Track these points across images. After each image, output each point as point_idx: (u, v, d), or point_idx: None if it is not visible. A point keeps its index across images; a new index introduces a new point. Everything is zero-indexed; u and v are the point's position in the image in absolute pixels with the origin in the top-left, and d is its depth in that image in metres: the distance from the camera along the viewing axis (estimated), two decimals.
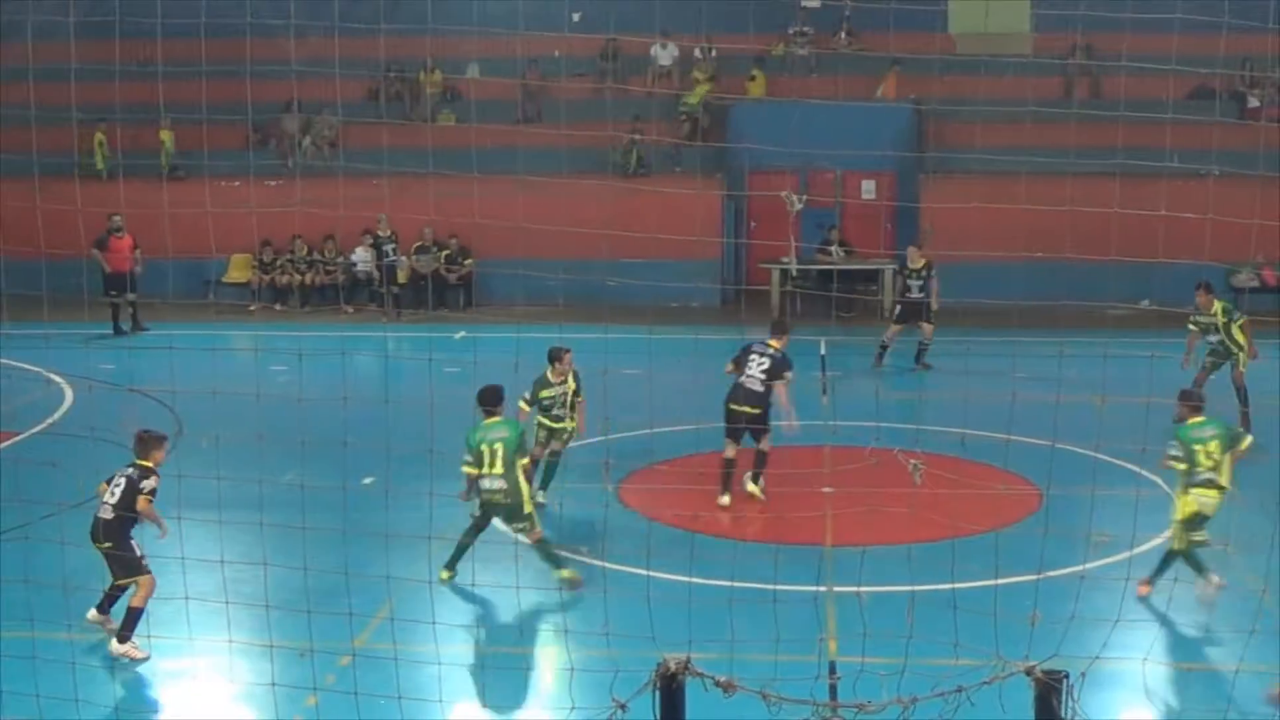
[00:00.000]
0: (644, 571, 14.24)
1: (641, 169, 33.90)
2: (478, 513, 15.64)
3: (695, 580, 14.22)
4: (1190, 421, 15.44)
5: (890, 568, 14.83)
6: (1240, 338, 21.34)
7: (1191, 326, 21.95)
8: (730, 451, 18.69)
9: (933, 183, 32.22)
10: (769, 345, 18.93)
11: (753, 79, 34.80)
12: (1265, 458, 18.86)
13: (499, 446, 15.32)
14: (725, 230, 32.65)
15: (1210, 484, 15.06)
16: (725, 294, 32.53)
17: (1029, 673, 7.70)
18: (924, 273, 26.62)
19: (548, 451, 18.43)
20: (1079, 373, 20.67)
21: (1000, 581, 14.08)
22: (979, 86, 33.18)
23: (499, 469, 15.31)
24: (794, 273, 32.04)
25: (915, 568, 14.94)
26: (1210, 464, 15.08)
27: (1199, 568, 15.13)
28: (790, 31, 36.38)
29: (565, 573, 15.42)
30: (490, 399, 15.71)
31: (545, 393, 18.25)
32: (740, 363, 18.80)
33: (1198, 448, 15.11)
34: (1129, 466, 18.75)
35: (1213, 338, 21.54)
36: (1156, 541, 16.03)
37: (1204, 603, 14.84)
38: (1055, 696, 7.57)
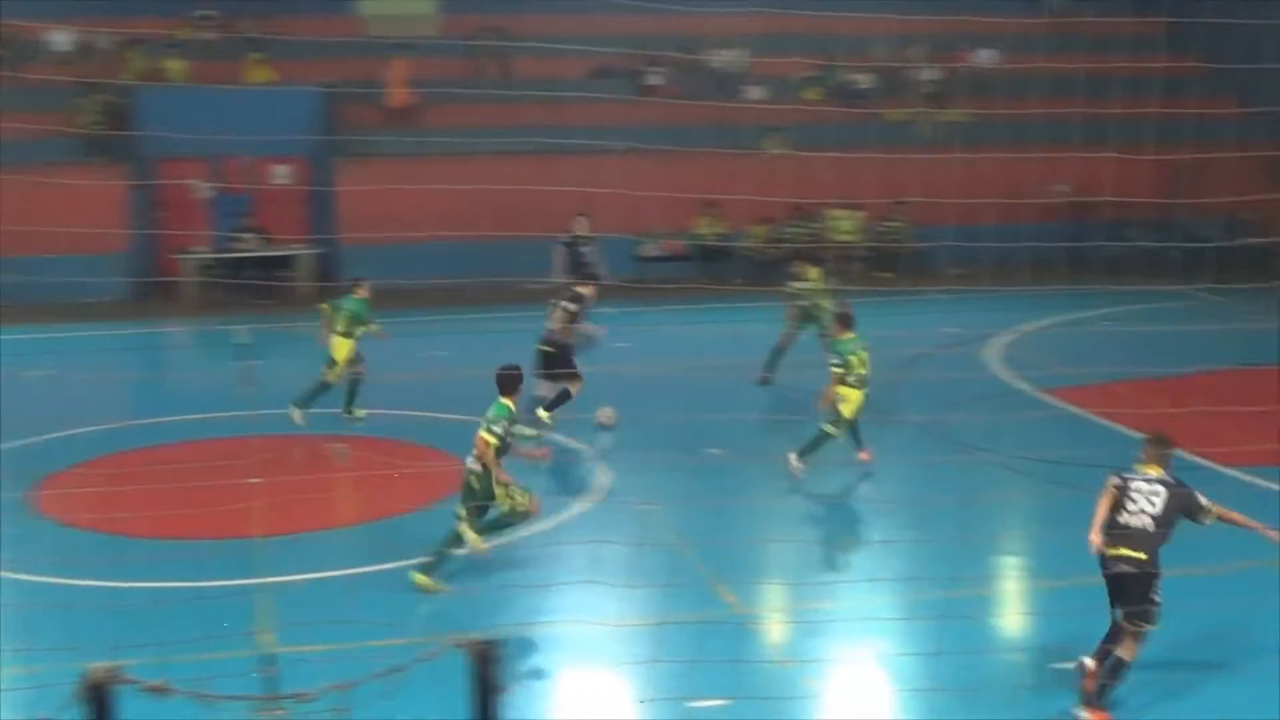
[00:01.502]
0: (64, 580, 13.63)
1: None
2: None
3: (119, 584, 13.68)
4: (843, 337, 18.09)
5: (323, 553, 14.70)
6: (827, 306, 22.53)
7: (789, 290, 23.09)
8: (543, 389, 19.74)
9: (347, 166, 32.07)
10: (573, 289, 20.65)
11: (168, 63, 33.63)
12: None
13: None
14: (134, 221, 31.48)
15: (861, 383, 17.85)
16: (137, 287, 31.41)
17: (464, 645, 7.75)
18: (593, 240, 26.80)
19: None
20: (493, 347, 21.10)
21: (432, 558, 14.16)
22: (388, 69, 33.34)
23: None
24: (208, 262, 31.31)
25: (348, 551, 14.90)
26: (863, 370, 17.91)
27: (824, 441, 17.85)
28: (196, 16, 35.44)
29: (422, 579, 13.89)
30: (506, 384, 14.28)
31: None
32: None
33: (851, 357, 17.85)
34: (554, 436, 19.25)
35: (803, 301, 22.72)
36: (584, 507, 16.49)
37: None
38: (490, 665, 7.65)
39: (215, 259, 31.41)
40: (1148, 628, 11.43)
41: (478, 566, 14.25)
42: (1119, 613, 11.46)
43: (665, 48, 35.20)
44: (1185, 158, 29.45)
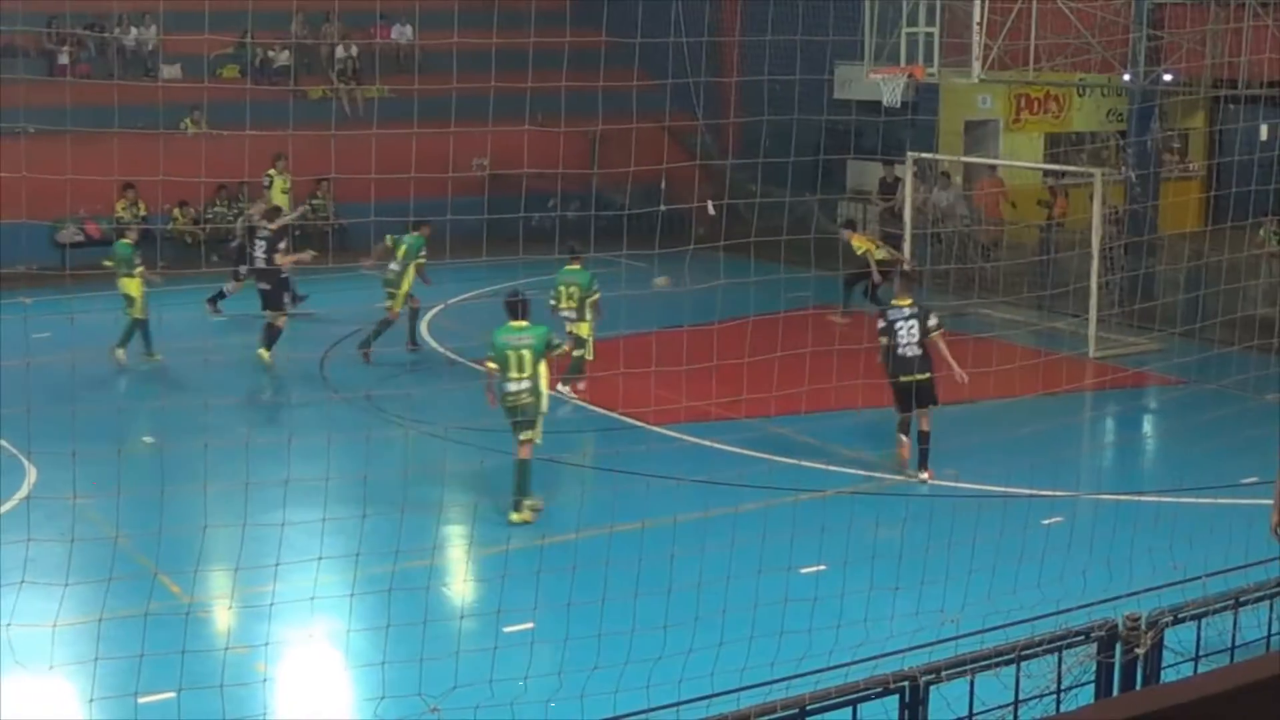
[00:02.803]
0: None
1: None
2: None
3: None
4: (566, 269, 21.45)
5: None
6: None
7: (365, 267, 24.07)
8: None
9: None
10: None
11: None
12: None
13: (525, 352, 16.19)
14: None
15: (580, 319, 21.24)
16: None
17: None
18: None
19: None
20: None
21: None
22: None
23: (526, 373, 16.18)
24: None
25: None
26: (572, 303, 21.24)
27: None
28: None
29: (528, 506, 16.08)
30: (516, 307, 16.63)
31: None
32: None
33: (560, 289, 21.18)
34: None
35: (394, 266, 23.60)
36: (9, 505, 15.80)
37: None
38: None
39: None
40: (935, 408, 16.87)
41: None
42: (914, 410, 16.70)
43: (73, 25, 33.88)
44: (598, 129, 30.61)
